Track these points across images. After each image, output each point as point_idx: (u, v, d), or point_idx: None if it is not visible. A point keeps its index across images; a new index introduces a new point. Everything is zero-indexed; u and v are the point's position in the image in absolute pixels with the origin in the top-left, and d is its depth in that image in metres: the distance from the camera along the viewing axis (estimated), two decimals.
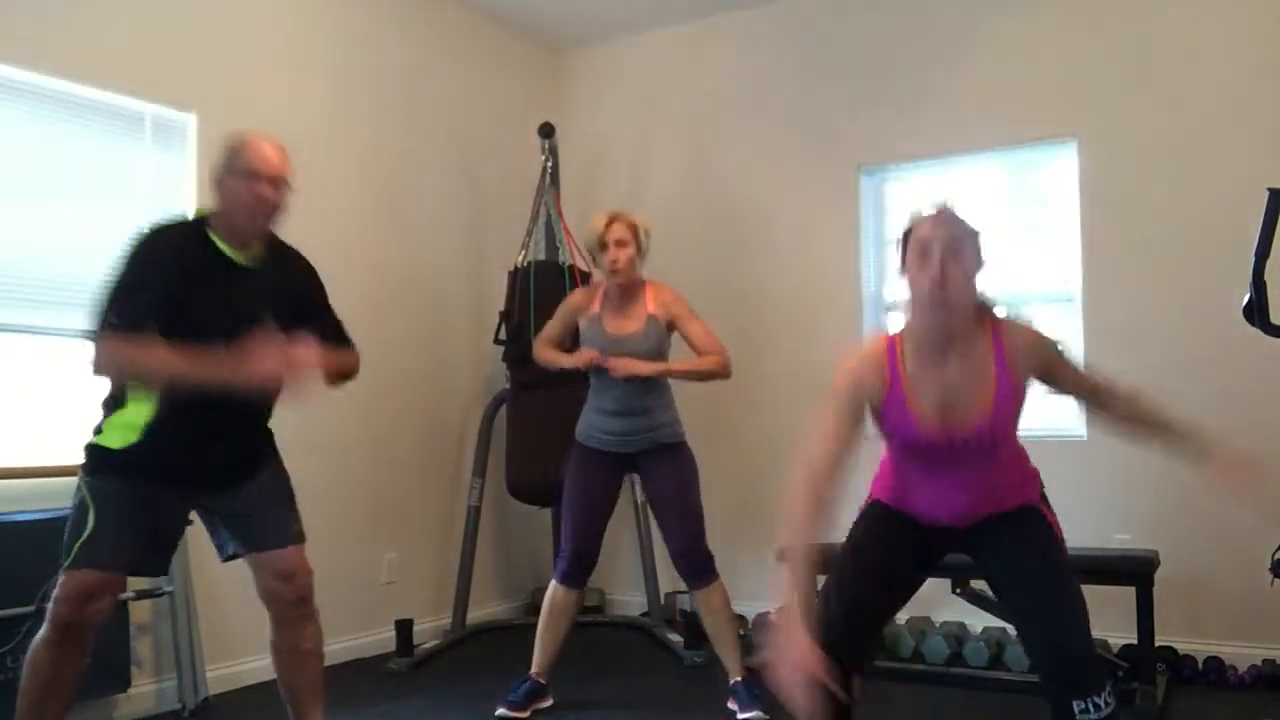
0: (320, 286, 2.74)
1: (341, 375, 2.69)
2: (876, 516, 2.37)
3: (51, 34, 3.35)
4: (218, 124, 3.81)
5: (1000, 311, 2.24)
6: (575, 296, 3.60)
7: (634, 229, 3.40)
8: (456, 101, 4.93)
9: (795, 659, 1.93)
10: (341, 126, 4.34)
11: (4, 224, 3.24)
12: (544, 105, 5.33)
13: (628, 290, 3.44)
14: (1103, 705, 2.07)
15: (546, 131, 4.78)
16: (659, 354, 3.41)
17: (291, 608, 2.58)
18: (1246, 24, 3.92)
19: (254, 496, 2.59)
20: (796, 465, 2.17)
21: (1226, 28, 3.95)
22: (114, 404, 2.47)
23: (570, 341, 3.57)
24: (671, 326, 3.45)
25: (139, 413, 2.43)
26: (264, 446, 2.68)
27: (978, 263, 2.20)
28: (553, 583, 3.48)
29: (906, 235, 2.20)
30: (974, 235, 2.20)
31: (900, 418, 2.22)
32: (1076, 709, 2.07)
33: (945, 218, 2.17)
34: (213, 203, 2.52)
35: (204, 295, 2.43)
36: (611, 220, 3.40)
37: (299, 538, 2.62)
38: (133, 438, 2.43)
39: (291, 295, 2.61)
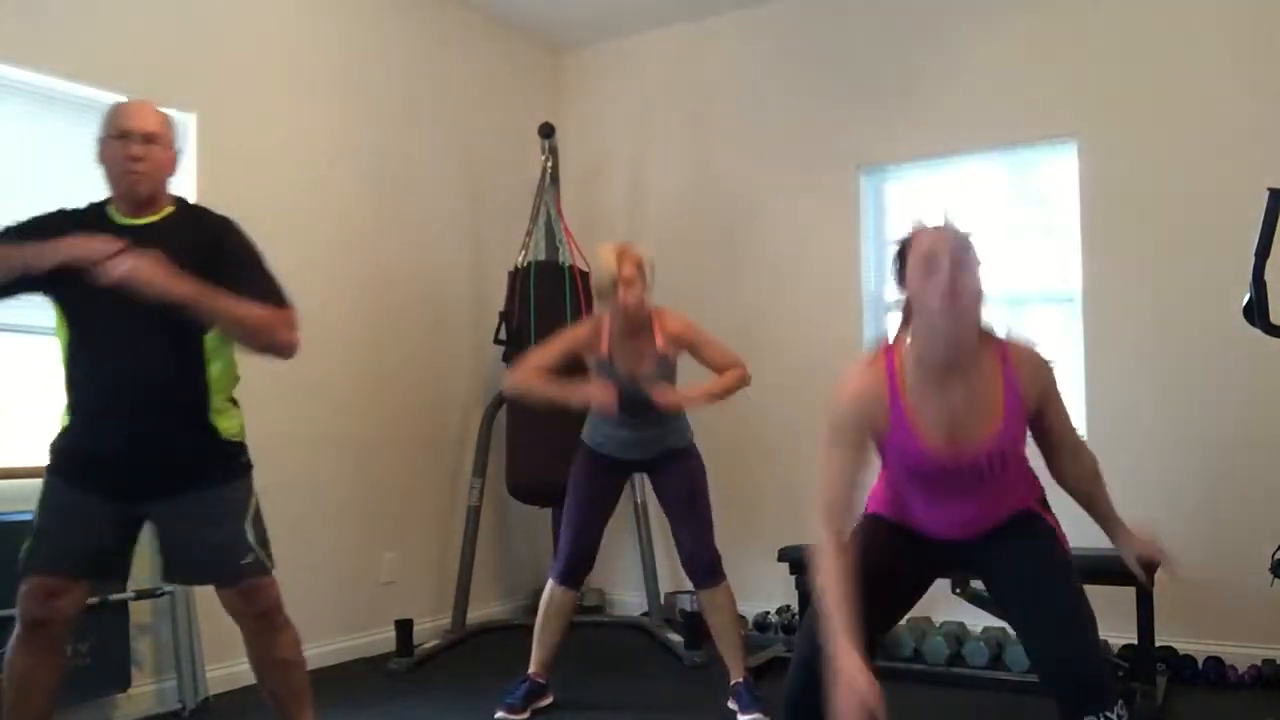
0: (241, 244, 2.51)
1: (256, 330, 2.39)
2: (875, 528, 2.31)
3: (51, 34, 3.35)
4: (218, 124, 3.83)
5: (1001, 332, 2.18)
6: (579, 332, 3.43)
7: (641, 266, 3.31)
8: (456, 101, 4.93)
9: (853, 688, 1.89)
10: (341, 126, 4.34)
11: (4, 224, 3.23)
12: (544, 105, 5.33)
13: (636, 324, 3.36)
14: (1114, 719, 2.07)
15: (546, 131, 4.78)
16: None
17: (258, 622, 2.53)
18: (1247, 23, 3.92)
19: (196, 529, 2.45)
20: (817, 515, 2.08)
21: (1226, 27, 3.95)
22: (64, 386, 2.45)
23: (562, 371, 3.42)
24: (686, 353, 3.42)
25: (68, 396, 2.43)
26: (211, 447, 2.47)
27: (981, 277, 2.11)
28: (549, 582, 3.49)
29: (904, 247, 2.10)
30: (975, 249, 2.09)
31: (907, 444, 2.13)
32: None
33: (949, 229, 2.08)
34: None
35: None
36: (623, 256, 3.29)
37: (249, 573, 2.46)
38: (68, 419, 2.43)
39: (196, 254, 2.37)
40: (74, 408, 2.42)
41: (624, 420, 3.35)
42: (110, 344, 2.36)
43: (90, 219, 2.42)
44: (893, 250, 2.13)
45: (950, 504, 2.20)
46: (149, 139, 2.42)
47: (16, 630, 2.36)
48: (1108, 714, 2.07)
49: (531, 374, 3.33)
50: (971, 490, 2.17)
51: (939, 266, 2.01)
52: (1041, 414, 2.20)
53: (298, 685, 2.62)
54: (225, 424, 2.48)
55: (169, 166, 2.49)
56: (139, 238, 2.33)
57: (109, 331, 2.36)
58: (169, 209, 2.49)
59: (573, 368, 3.41)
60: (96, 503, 2.39)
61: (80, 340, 2.39)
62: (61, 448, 2.44)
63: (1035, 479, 2.34)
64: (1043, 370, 2.18)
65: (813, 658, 2.05)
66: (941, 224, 2.09)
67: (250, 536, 2.48)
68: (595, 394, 3.27)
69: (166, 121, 2.48)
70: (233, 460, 2.50)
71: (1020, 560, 2.21)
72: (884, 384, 2.12)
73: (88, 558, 2.41)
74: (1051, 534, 2.26)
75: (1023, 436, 2.18)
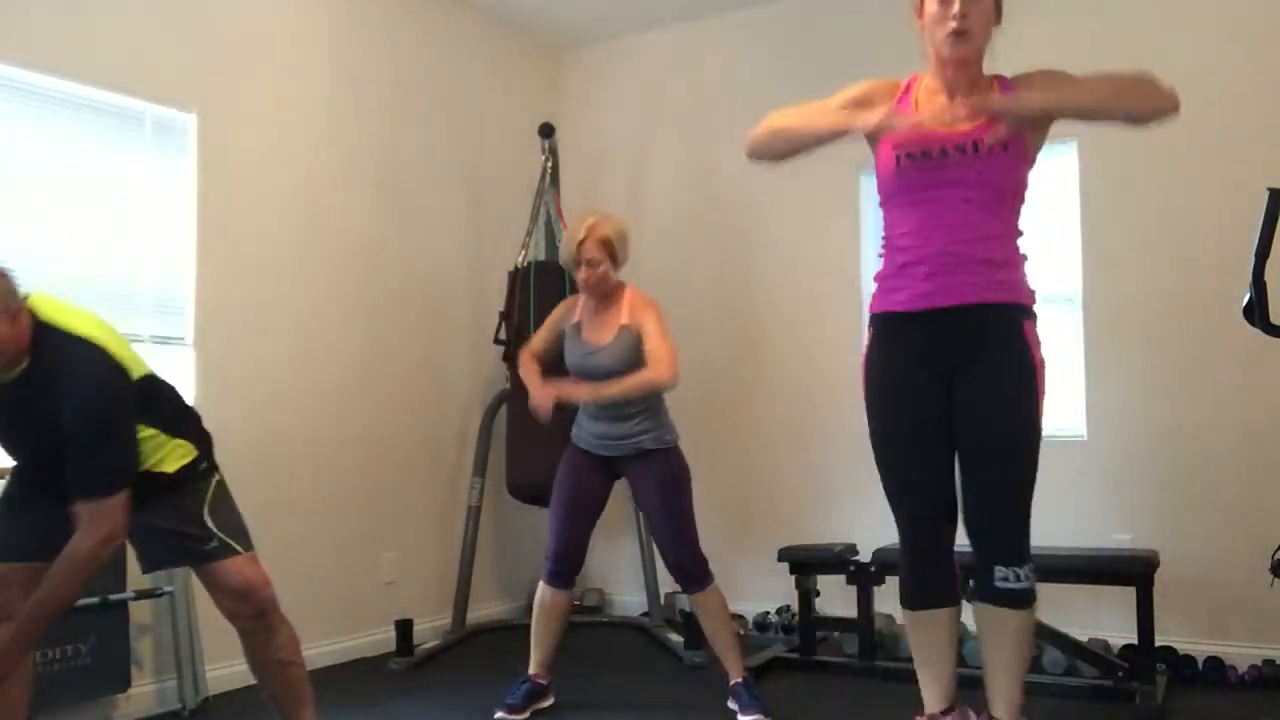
0: (74, 412, 2.26)
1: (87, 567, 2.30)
2: (879, 330, 2.54)
3: (51, 34, 3.35)
4: (218, 124, 3.83)
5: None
6: (560, 307, 3.61)
7: (606, 245, 3.35)
8: (456, 101, 4.93)
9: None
10: (341, 126, 4.34)
11: (4, 224, 3.24)
12: (544, 105, 5.33)
13: (606, 297, 3.44)
14: (1023, 577, 2.39)
15: (546, 131, 4.78)
16: (630, 365, 3.33)
17: (254, 622, 2.54)
18: (1246, 23, 3.92)
19: (158, 524, 2.48)
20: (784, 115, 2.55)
21: (1226, 27, 3.95)
22: None
23: (558, 352, 3.55)
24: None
25: None
26: (158, 485, 2.45)
27: (996, 12, 2.39)
28: (540, 583, 3.50)
29: None
30: None
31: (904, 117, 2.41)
32: (997, 575, 2.39)
33: None
34: None
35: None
36: (585, 238, 3.34)
37: (215, 555, 2.48)
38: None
39: (45, 421, 2.29)
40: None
41: (592, 413, 3.39)
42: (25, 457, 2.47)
43: None
44: None
45: (930, 217, 2.41)
46: None
47: None
48: (1018, 569, 2.39)
49: (528, 357, 3.53)
50: (951, 199, 2.38)
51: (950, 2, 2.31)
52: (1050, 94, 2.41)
53: (296, 685, 2.62)
54: (164, 465, 2.47)
55: (9, 342, 2.27)
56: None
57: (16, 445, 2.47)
58: (20, 367, 2.32)
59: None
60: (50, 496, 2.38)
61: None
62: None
63: (1023, 269, 2.49)
64: (1038, 70, 2.43)
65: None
66: None
67: (210, 523, 2.50)
68: (532, 393, 3.36)
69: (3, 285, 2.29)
70: (180, 483, 2.50)
71: (987, 408, 2.41)
72: (899, 86, 2.52)
73: (31, 534, 2.41)
74: (1033, 383, 2.41)
75: (1013, 141, 2.35)
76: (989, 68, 2.48)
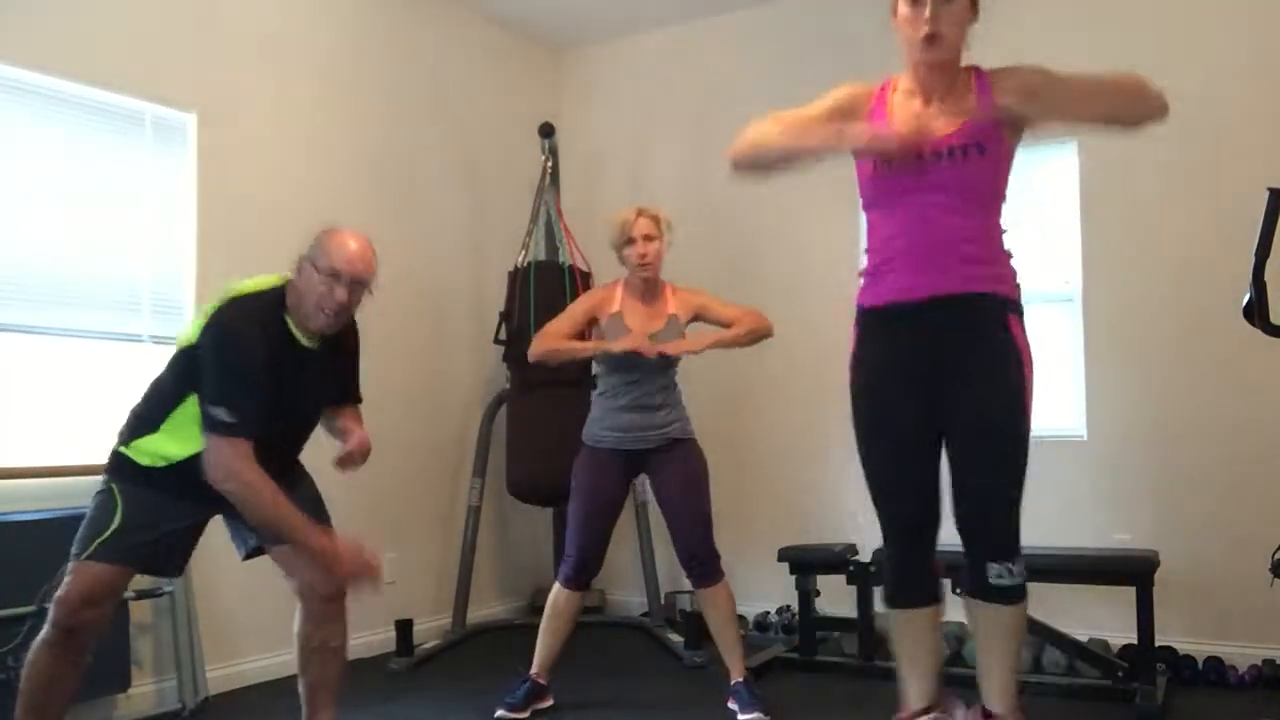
0: (358, 352, 2.79)
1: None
2: (868, 323, 2.52)
3: (51, 34, 3.35)
4: (218, 124, 3.83)
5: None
6: (591, 295, 3.56)
7: (659, 222, 3.43)
8: (456, 101, 4.93)
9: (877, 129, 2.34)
10: (341, 127, 4.34)
11: (4, 223, 3.24)
12: (544, 105, 5.33)
13: (650, 287, 3.44)
14: (1015, 573, 2.38)
15: (546, 131, 4.78)
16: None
17: (327, 602, 2.62)
18: (1246, 23, 3.92)
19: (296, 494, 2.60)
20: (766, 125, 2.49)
21: (1226, 27, 3.95)
22: (146, 425, 2.49)
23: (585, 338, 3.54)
24: (698, 319, 3.47)
25: (170, 445, 2.46)
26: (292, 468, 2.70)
27: (972, 10, 2.37)
28: (556, 585, 3.48)
29: None
30: None
31: (878, 121, 2.41)
32: (991, 572, 2.37)
33: None
34: (292, 277, 2.57)
35: (277, 386, 2.46)
36: (639, 214, 3.40)
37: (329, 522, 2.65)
38: (160, 464, 2.46)
39: (340, 376, 2.72)
40: (184, 462, 2.51)
41: (633, 396, 3.36)
42: None
43: (274, 332, 2.53)
44: None
45: (912, 216, 2.37)
46: (354, 287, 2.57)
47: (46, 632, 2.38)
48: (1010, 565, 2.38)
49: (553, 339, 3.44)
50: (932, 200, 2.34)
51: (922, 4, 2.29)
52: (1041, 97, 2.36)
53: (336, 679, 2.70)
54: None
55: (357, 306, 2.64)
56: (309, 367, 2.60)
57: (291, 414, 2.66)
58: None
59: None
60: (185, 501, 2.50)
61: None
62: (152, 476, 2.54)
63: (1009, 263, 2.46)
64: (1019, 67, 2.41)
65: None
66: None
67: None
68: (617, 342, 3.32)
69: (373, 260, 2.63)
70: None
71: (977, 403, 2.38)
72: (875, 91, 2.49)
73: (164, 544, 2.50)
74: (1021, 377, 2.38)
75: (991, 140, 2.33)
76: (968, 57, 2.44)
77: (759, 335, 3.41)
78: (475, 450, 4.65)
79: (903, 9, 2.36)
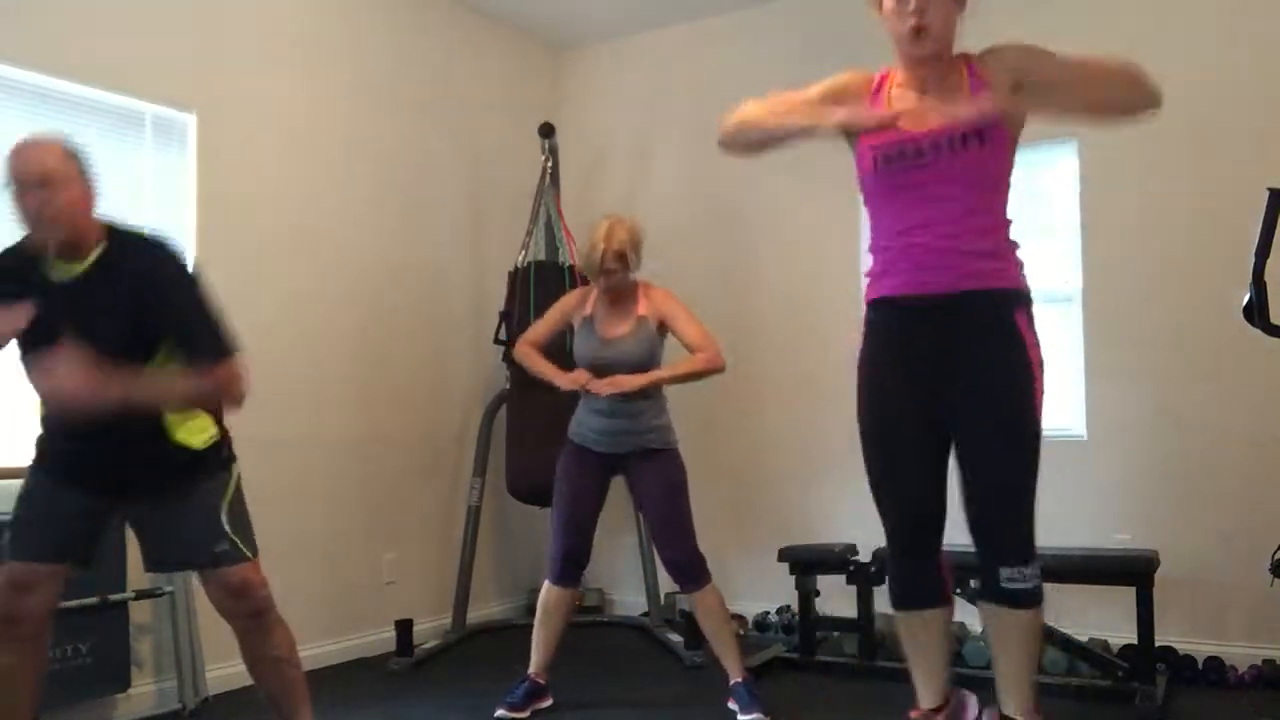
0: (173, 284, 2.37)
1: (202, 401, 2.41)
2: (869, 358, 2.51)
3: (51, 34, 3.35)
4: (218, 124, 3.83)
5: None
6: (569, 298, 3.61)
7: (622, 257, 3.37)
8: (457, 101, 4.93)
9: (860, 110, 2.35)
10: (341, 126, 4.34)
11: (4, 224, 3.24)
12: (544, 105, 5.33)
13: (621, 292, 3.46)
14: (1029, 577, 2.34)
15: (546, 131, 4.78)
16: (649, 356, 3.40)
17: (249, 620, 2.53)
18: (1246, 23, 3.92)
19: (172, 515, 2.48)
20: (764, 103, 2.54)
21: (1226, 27, 3.95)
22: None
23: (559, 343, 3.58)
24: (663, 327, 3.45)
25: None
26: (180, 459, 2.44)
27: (957, 1, 2.33)
28: (546, 583, 3.50)
29: None
30: None
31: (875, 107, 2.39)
32: (1004, 575, 2.34)
33: None
34: None
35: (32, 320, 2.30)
36: (605, 250, 3.35)
37: (226, 559, 2.46)
38: (40, 427, 2.48)
39: (132, 302, 2.31)
40: (43, 420, 2.48)
41: (607, 400, 3.36)
42: None
43: (24, 269, 2.35)
44: None
45: (915, 214, 2.36)
46: (45, 184, 2.26)
47: None
48: (1024, 569, 2.34)
49: (527, 346, 3.53)
50: (936, 195, 2.33)
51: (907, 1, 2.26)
52: (1037, 80, 2.33)
53: (293, 684, 2.62)
54: (189, 437, 2.45)
55: (79, 203, 2.32)
56: (71, 296, 2.31)
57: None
58: (97, 251, 2.35)
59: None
60: (72, 489, 2.42)
61: (35, 364, 2.33)
62: (41, 448, 2.49)
63: (1016, 253, 2.43)
64: (1009, 46, 2.39)
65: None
66: None
67: (225, 524, 2.47)
68: (562, 377, 3.37)
69: (64, 156, 2.32)
70: (206, 464, 2.48)
71: (986, 411, 2.35)
72: (874, 80, 2.47)
73: (59, 534, 2.43)
74: (1030, 387, 2.35)
75: (993, 125, 2.29)
76: (960, 45, 2.41)
77: (704, 375, 3.38)
78: (475, 450, 4.65)
79: (887, 2, 2.34)
